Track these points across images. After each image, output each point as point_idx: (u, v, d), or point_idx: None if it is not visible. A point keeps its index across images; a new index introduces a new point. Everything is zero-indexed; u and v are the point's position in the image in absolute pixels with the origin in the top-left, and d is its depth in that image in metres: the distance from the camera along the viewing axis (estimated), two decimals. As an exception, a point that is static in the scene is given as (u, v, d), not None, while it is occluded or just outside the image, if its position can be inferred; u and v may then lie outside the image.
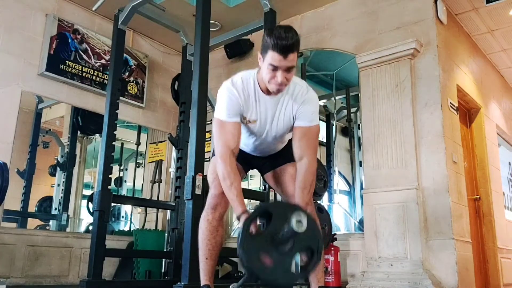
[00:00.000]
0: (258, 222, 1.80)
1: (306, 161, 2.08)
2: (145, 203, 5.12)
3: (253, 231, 1.74)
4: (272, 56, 1.91)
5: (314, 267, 1.77)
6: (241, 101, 2.05)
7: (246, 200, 5.52)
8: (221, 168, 1.99)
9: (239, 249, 1.67)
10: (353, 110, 5.89)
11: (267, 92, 2.06)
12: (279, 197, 4.91)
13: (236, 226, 5.51)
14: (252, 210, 1.81)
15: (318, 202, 4.12)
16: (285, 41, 1.87)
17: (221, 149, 2.02)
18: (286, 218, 1.64)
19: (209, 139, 4.81)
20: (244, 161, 2.33)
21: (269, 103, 2.09)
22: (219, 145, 2.04)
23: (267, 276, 1.63)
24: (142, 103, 5.24)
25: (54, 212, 4.95)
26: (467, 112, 4.99)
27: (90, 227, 4.41)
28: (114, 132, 3.83)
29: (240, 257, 1.67)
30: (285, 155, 2.28)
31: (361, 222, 4.76)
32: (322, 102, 5.97)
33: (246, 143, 2.28)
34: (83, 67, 4.66)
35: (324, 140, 5.98)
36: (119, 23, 3.96)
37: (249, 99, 2.07)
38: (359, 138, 5.60)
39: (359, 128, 5.51)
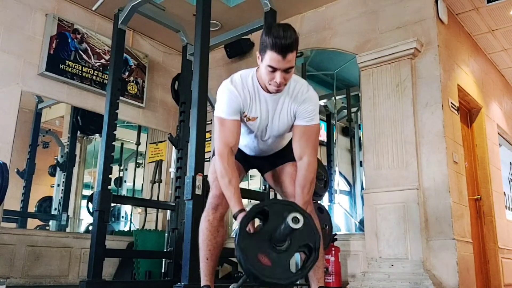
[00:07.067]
0: (257, 223, 1.78)
1: (306, 160, 2.06)
2: (145, 203, 5.12)
3: (250, 230, 1.73)
4: (270, 57, 1.87)
5: (313, 265, 1.74)
6: (241, 99, 2.03)
7: (246, 201, 5.54)
8: (219, 166, 1.99)
9: (236, 248, 1.65)
10: (353, 110, 5.87)
11: (267, 89, 2.04)
12: (279, 197, 4.91)
13: (235, 225, 5.51)
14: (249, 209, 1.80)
15: (319, 202, 4.11)
16: (284, 40, 1.83)
17: (220, 146, 2.02)
18: (282, 216, 1.62)
19: (209, 139, 4.80)
20: (244, 161, 2.33)
21: (269, 100, 2.07)
22: (218, 143, 2.04)
23: (266, 277, 1.61)
24: (142, 103, 5.23)
25: (54, 212, 4.93)
26: (468, 112, 4.98)
27: (90, 227, 4.41)
28: (114, 132, 3.83)
29: (238, 258, 1.66)
30: (285, 155, 2.27)
31: (361, 222, 4.74)
32: (322, 102, 5.96)
33: (246, 144, 2.26)
34: (83, 67, 4.65)
35: (325, 140, 5.97)
36: (119, 22, 3.96)
37: (249, 97, 2.05)
38: (359, 138, 5.59)
39: (359, 128, 5.50)
